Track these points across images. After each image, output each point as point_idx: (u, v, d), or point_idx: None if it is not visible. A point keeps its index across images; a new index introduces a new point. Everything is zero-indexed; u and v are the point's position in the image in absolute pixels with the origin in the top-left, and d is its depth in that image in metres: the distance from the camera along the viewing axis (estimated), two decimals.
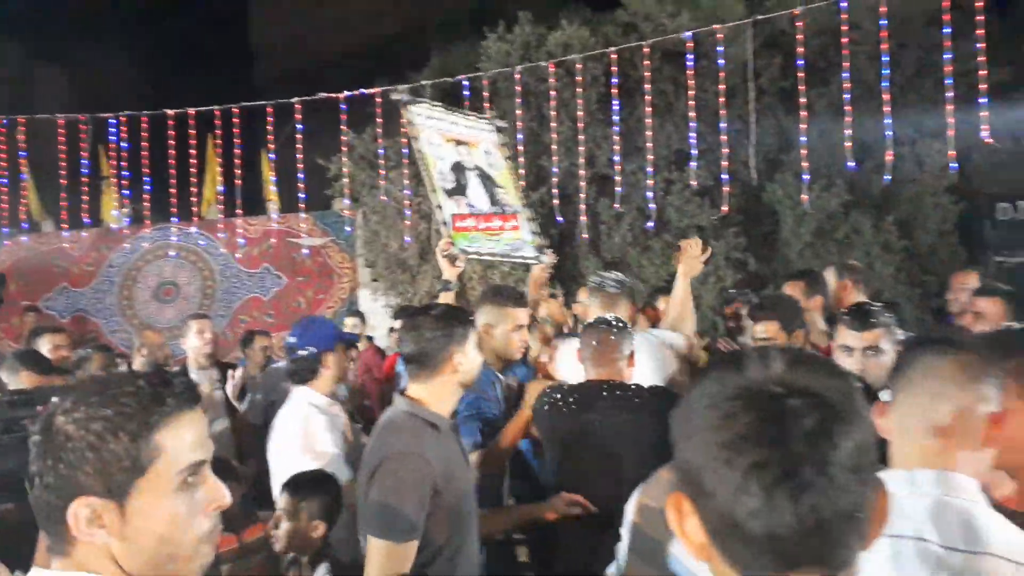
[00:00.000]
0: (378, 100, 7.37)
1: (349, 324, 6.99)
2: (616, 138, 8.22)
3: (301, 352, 2.97)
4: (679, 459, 0.84)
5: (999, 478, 1.69)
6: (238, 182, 7.97)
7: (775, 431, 0.76)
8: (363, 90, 6.89)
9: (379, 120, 7.54)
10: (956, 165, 6.55)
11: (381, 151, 7.79)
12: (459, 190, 3.83)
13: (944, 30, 6.14)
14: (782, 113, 8.61)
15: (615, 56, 7.80)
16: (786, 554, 0.78)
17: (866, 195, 7.89)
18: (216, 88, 10.14)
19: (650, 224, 8.12)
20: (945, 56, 6.13)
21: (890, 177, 6.71)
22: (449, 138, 3.97)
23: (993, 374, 1.37)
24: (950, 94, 6.11)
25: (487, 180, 4.04)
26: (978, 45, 6.03)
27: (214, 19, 14.15)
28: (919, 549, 1.26)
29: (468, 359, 2.34)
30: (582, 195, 8.26)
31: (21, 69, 12.37)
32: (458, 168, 3.92)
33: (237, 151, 7.90)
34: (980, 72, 6.02)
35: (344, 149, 8.41)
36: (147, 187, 8.22)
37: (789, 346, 0.78)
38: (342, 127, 7.48)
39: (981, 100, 6.03)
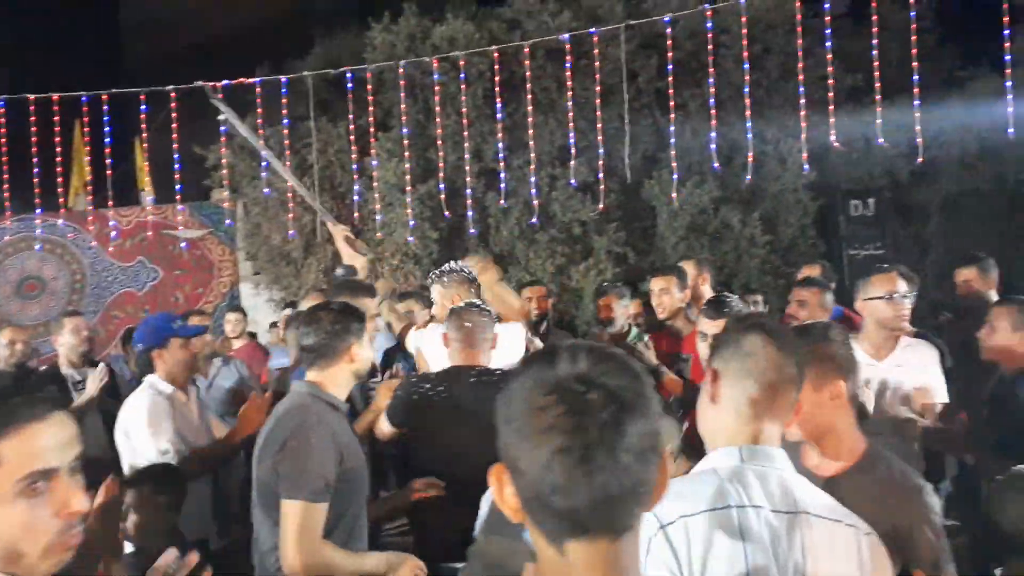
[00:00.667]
0: (258, 89, 7.20)
1: (231, 320, 6.73)
2: (501, 134, 8.37)
3: (137, 348, 3.35)
4: (501, 439, 0.97)
5: (808, 448, 1.91)
6: (108, 172, 7.58)
7: (576, 422, 0.90)
8: (243, 79, 6.71)
9: (259, 109, 7.36)
10: (808, 167, 7.09)
11: (260, 140, 7.60)
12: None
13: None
14: (658, 113, 9.00)
15: (498, 53, 7.94)
16: (580, 522, 0.93)
17: (735, 192, 8.37)
18: (84, 71, 9.60)
19: (533, 220, 8.33)
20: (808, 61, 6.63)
21: (750, 177, 7.16)
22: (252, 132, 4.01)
23: (793, 357, 1.56)
24: (803, 101, 6.57)
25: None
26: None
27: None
28: (758, 516, 1.42)
29: (363, 351, 2.62)
30: (468, 190, 8.36)
31: None
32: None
33: (107, 139, 7.51)
34: (830, 81, 6.51)
35: (223, 139, 8.17)
36: (6, 176, 7.70)
37: (596, 344, 0.93)
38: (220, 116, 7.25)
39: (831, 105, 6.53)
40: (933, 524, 1.77)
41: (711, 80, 7.03)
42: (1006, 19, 6.75)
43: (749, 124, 6.74)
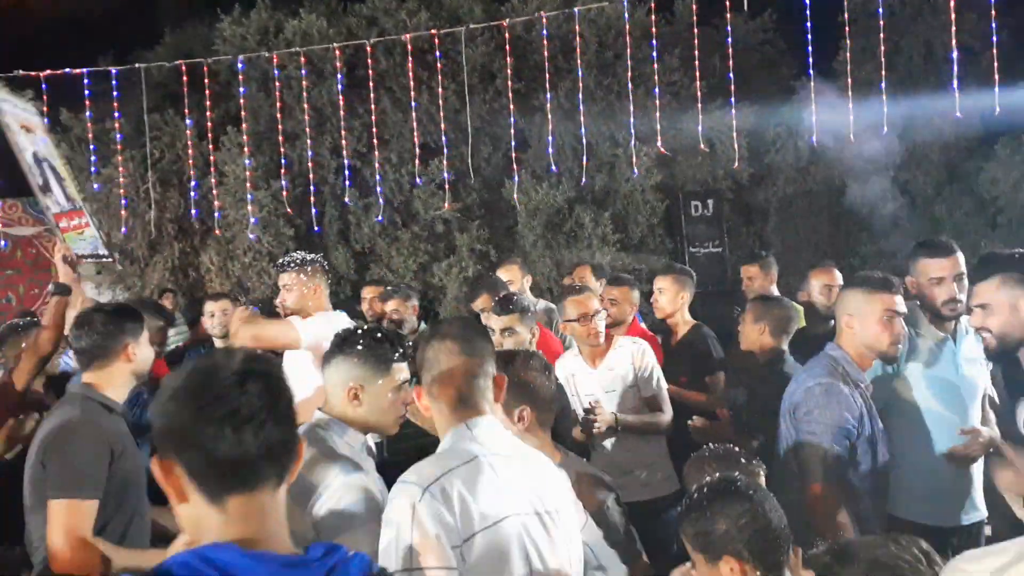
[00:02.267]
0: (86, 80, 6.85)
1: None
2: (357, 131, 8.30)
3: None
4: (160, 431, 1.13)
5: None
6: None
7: (238, 390, 1.12)
8: (68, 69, 6.36)
9: (87, 101, 7.00)
10: (636, 172, 7.47)
11: (91, 134, 7.25)
12: (46, 184, 3.54)
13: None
14: (518, 113, 9.16)
15: (354, 47, 7.88)
16: (247, 474, 1.12)
17: (588, 191, 8.63)
18: None
19: (379, 218, 8.34)
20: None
21: (585, 180, 7.47)
22: (23, 124, 3.57)
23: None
24: (630, 106, 6.90)
25: (55, 172, 3.69)
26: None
27: None
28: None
29: (142, 350, 2.63)
30: (320, 187, 8.26)
31: None
32: (37, 160, 3.57)
33: None
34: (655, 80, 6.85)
35: (53, 133, 7.70)
36: None
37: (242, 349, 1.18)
38: (45, 108, 6.84)
39: (657, 113, 6.92)
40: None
41: (549, 84, 7.22)
42: (840, 31, 7.36)
43: (584, 131, 7.02)
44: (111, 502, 2.39)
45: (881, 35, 7.37)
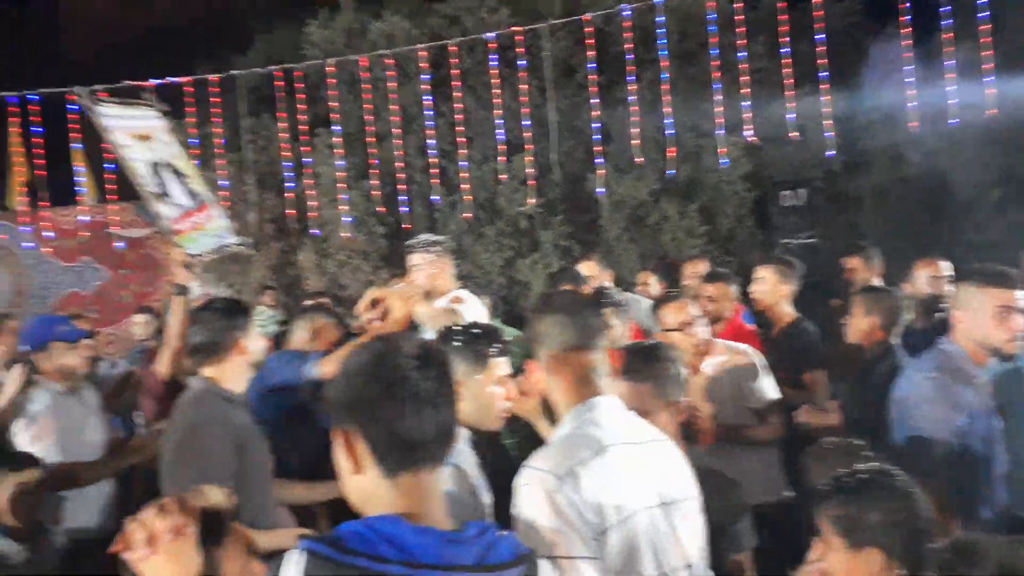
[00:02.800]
0: (189, 88, 7.19)
1: (139, 321, 6.50)
2: (442, 129, 8.43)
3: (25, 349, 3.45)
4: (345, 405, 1.22)
5: None
6: (40, 172, 7.51)
7: (423, 372, 1.21)
8: (172, 78, 6.69)
9: (189, 108, 7.35)
10: (728, 158, 7.30)
11: (194, 140, 7.60)
12: (163, 190, 3.66)
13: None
14: (601, 107, 9.12)
15: (439, 49, 8.00)
16: (421, 454, 1.21)
17: (672, 183, 8.53)
18: (19, 69, 9.45)
19: (467, 215, 8.44)
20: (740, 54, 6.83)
21: (673, 172, 7.38)
22: (135, 135, 3.70)
23: None
24: (719, 96, 6.75)
25: (177, 173, 3.82)
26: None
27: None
28: None
29: (253, 343, 2.74)
30: (407, 185, 8.43)
31: None
32: (154, 168, 3.70)
33: (41, 139, 7.44)
34: (741, 67, 6.68)
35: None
36: None
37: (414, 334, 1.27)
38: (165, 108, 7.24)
39: (745, 103, 6.75)
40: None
41: (631, 77, 7.16)
42: (941, 11, 7.02)
43: (667, 122, 6.92)
44: (241, 492, 2.47)
45: (983, 11, 7.01)
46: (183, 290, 3.43)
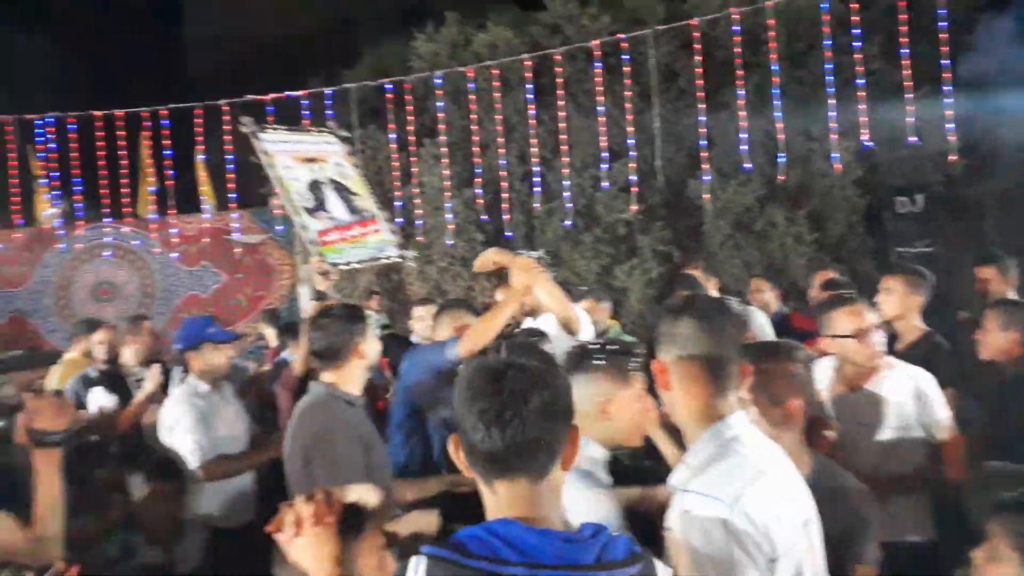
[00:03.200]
0: (303, 102, 7.52)
1: (269, 334, 6.75)
2: (543, 137, 8.49)
3: (176, 348, 3.69)
4: (454, 412, 1.28)
5: None
6: (169, 182, 8.03)
7: (492, 388, 1.24)
8: (288, 92, 7.03)
9: (305, 120, 7.68)
10: (837, 160, 7.00)
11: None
12: (319, 206, 4.03)
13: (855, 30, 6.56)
14: (703, 111, 8.97)
15: (539, 57, 8.07)
16: (501, 465, 1.24)
17: (780, 190, 8.30)
18: (148, 85, 10.12)
19: (568, 222, 8.44)
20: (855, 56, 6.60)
21: (783, 176, 7.13)
22: (300, 158, 4.15)
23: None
24: (833, 100, 6.50)
25: (343, 191, 4.24)
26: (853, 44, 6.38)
27: (143, 16, 13.99)
28: None
29: (371, 346, 2.82)
30: (508, 193, 8.53)
31: None
32: (314, 186, 4.10)
33: (169, 151, 7.97)
34: (855, 69, 6.42)
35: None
36: (77, 187, 8.23)
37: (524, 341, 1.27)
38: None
39: (860, 105, 6.47)
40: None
41: (739, 80, 6.98)
42: None
43: (781, 124, 6.69)
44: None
45: None
46: (320, 296, 3.63)
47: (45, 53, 12.64)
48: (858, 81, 7.21)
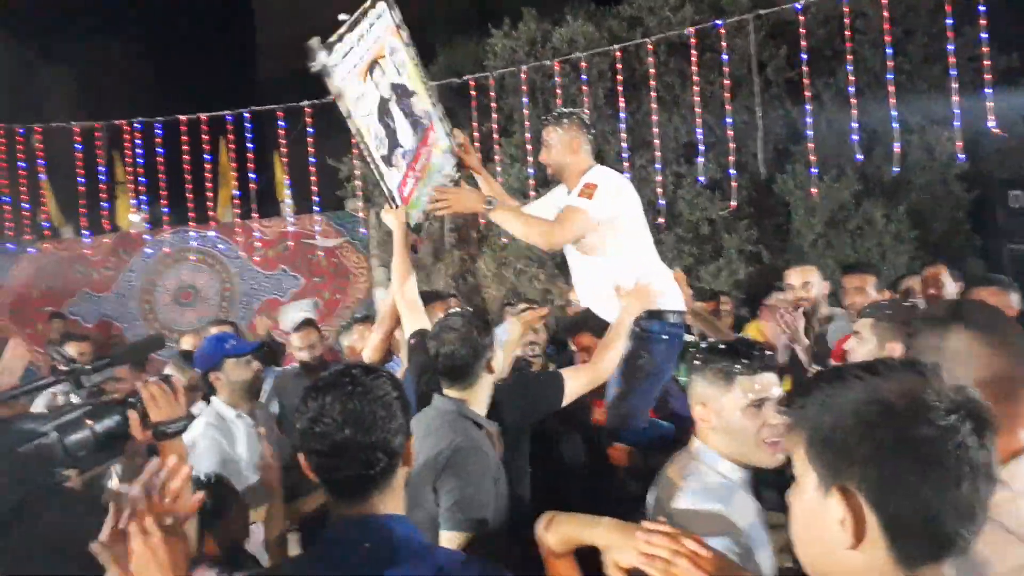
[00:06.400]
0: None
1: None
2: (623, 133, 8.24)
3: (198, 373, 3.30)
4: (842, 451, 0.96)
5: None
6: (252, 185, 8.08)
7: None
8: None
9: None
10: (963, 156, 6.43)
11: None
12: (393, 140, 3.11)
13: (948, 20, 6.09)
14: (790, 104, 8.60)
15: (619, 52, 7.83)
16: (955, 544, 0.94)
17: (877, 184, 7.87)
18: (228, 89, 10.25)
19: (660, 220, 8.13)
20: (950, 45, 6.08)
21: (899, 168, 6.67)
22: (365, 69, 3.04)
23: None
24: (955, 85, 6.05)
25: (403, 96, 3.22)
26: (983, 35, 5.95)
27: (220, 19, 14.27)
28: None
29: (498, 360, 2.51)
30: None
31: (32, 75, 12.56)
32: (383, 109, 3.10)
33: (250, 154, 8.01)
34: (984, 62, 5.95)
35: (355, 151, 8.51)
36: (163, 192, 8.36)
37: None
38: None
39: (987, 88, 5.97)
40: None
41: (850, 66, 6.54)
42: None
43: (895, 113, 6.22)
44: (492, 520, 2.26)
45: None
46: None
47: (130, 60, 12.99)
48: (952, 72, 6.63)
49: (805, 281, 4.11)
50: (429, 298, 3.60)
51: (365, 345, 3.48)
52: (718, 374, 1.87)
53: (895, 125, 6.40)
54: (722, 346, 1.95)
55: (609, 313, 3.14)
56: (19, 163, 8.50)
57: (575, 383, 2.70)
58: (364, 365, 1.59)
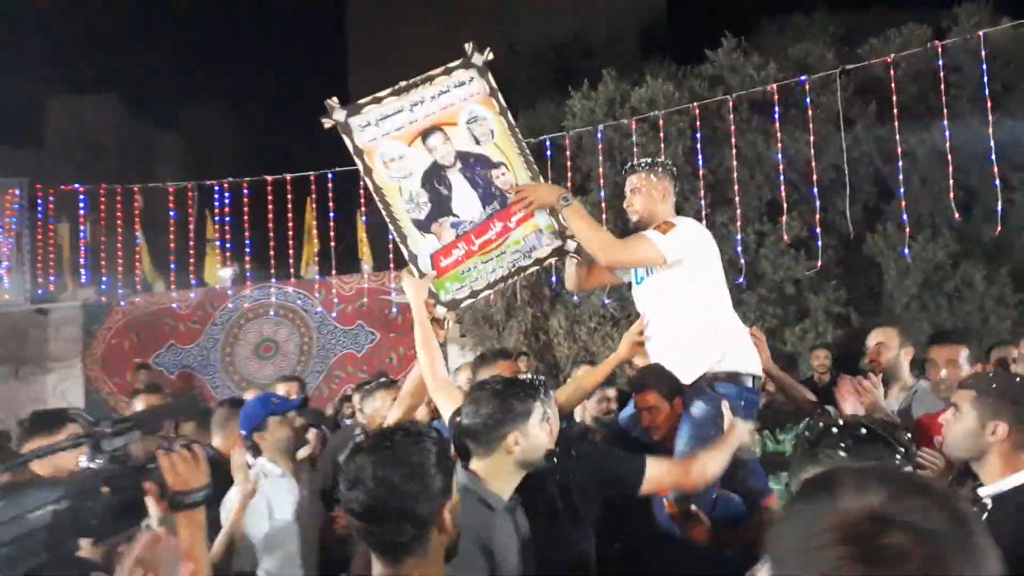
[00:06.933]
0: None
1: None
2: (702, 191, 8.08)
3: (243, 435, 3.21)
4: None
5: None
6: (333, 243, 8.25)
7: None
8: None
9: None
10: None
11: None
12: (441, 208, 3.00)
13: None
14: (880, 161, 8.29)
15: (699, 110, 7.74)
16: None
17: (976, 245, 7.44)
18: (316, 150, 10.61)
19: (740, 279, 7.87)
20: None
21: (1000, 228, 6.29)
22: (415, 134, 2.97)
23: None
24: None
25: (476, 166, 3.04)
26: None
27: (311, 85, 14.93)
28: None
29: (528, 439, 2.18)
30: None
31: (135, 138, 13.32)
32: (434, 175, 2.99)
33: (332, 213, 8.22)
34: None
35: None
36: (248, 249, 8.63)
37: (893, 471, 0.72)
38: None
39: None
40: None
41: (943, 122, 6.26)
42: None
43: (996, 169, 5.89)
44: None
45: None
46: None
47: (222, 123, 13.68)
48: None
49: (878, 342, 3.71)
50: (496, 356, 3.51)
51: (388, 413, 3.35)
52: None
53: (996, 183, 6.01)
54: (864, 431, 1.59)
55: (680, 367, 2.98)
56: (118, 220, 8.95)
57: (657, 474, 2.44)
58: (407, 428, 1.59)
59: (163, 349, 10.33)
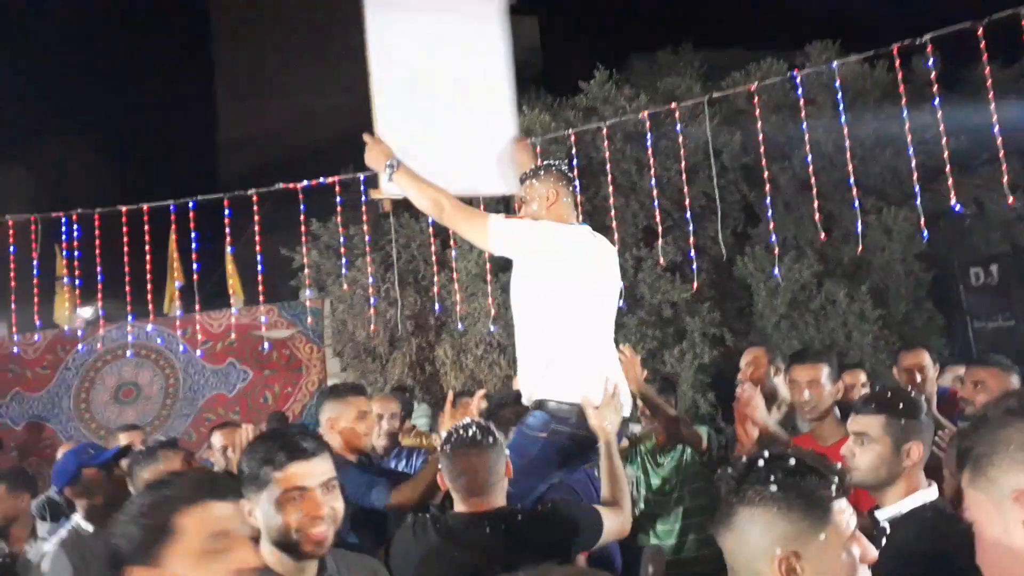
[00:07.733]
0: (337, 189, 7.28)
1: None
2: (580, 219, 8.14)
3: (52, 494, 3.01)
4: None
5: None
6: (195, 276, 7.73)
7: None
8: (322, 179, 6.77)
9: (339, 208, 7.43)
10: (925, 234, 6.38)
11: (343, 239, 7.66)
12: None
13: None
14: (746, 188, 8.66)
15: (575, 139, 7.84)
16: None
17: (837, 265, 7.86)
18: (181, 183, 10.00)
19: (620, 303, 7.94)
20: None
21: (860, 247, 6.64)
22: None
23: None
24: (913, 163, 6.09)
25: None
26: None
27: (178, 116, 14.19)
28: None
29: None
30: None
31: None
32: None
33: (195, 245, 7.70)
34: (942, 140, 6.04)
35: (304, 239, 8.27)
36: (100, 286, 7.95)
37: None
38: (301, 216, 7.36)
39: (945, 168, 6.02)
40: None
41: (806, 152, 6.58)
42: None
43: (856, 192, 6.22)
44: None
45: None
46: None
47: (73, 150, 12.72)
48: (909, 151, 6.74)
49: (747, 362, 3.81)
50: (348, 391, 3.22)
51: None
52: (814, 504, 1.32)
53: (855, 205, 6.35)
54: (793, 462, 1.37)
55: (524, 394, 2.88)
56: None
57: (610, 526, 2.39)
58: None
59: (7, 399, 9.38)
